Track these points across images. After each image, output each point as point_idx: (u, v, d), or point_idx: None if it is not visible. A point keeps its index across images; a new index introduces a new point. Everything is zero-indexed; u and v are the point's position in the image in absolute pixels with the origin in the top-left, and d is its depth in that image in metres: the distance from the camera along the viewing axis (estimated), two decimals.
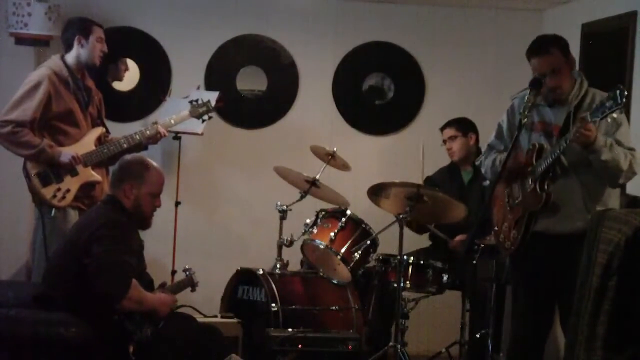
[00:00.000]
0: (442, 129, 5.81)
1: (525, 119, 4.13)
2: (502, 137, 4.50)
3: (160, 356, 3.99)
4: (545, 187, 4.16)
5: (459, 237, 5.48)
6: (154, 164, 4.21)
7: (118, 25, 6.11)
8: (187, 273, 4.56)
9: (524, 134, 4.26)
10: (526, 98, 4.15)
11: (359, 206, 5.43)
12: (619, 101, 3.76)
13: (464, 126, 5.74)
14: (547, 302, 4.36)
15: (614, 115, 3.93)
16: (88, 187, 4.99)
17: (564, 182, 4.18)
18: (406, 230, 5.15)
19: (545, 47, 4.24)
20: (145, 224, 4.22)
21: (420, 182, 5.53)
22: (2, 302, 4.01)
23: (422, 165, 5.94)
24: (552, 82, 4.19)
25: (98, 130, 5.12)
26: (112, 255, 3.87)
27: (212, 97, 5.67)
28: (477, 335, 5.17)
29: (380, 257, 5.36)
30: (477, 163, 4.75)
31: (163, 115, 5.68)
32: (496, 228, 4.43)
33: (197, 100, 5.46)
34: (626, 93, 3.76)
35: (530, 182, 4.20)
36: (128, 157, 4.31)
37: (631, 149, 4.14)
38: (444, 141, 5.78)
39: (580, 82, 4.26)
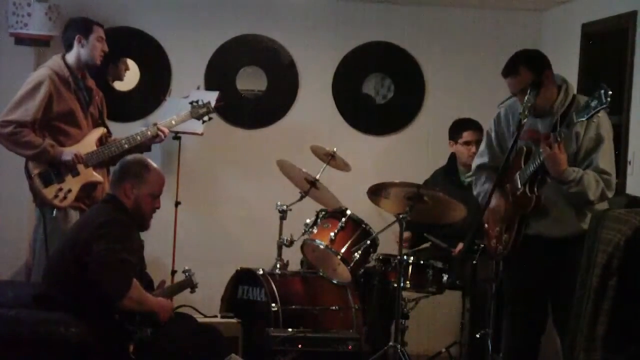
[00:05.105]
0: (464, 130, 5.62)
1: (525, 119, 4.11)
2: (492, 145, 4.49)
3: (160, 356, 3.99)
4: (535, 189, 4.15)
5: (460, 247, 5.43)
6: (155, 165, 4.23)
7: (118, 25, 6.11)
8: (187, 274, 4.56)
9: (512, 141, 4.19)
10: (526, 98, 4.13)
11: (359, 206, 5.42)
12: (604, 100, 3.71)
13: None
14: (540, 303, 4.37)
15: (600, 131, 4.03)
16: (89, 188, 4.98)
17: (554, 186, 4.16)
18: None
19: (514, 67, 4.18)
20: (144, 225, 4.22)
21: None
22: (2, 302, 4.01)
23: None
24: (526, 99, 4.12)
25: (99, 131, 5.12)
26: (113, 253, 3.86)
27: (212, 97, 5.67)
28: (477, 335, 5.16)
29: (380, 257, 5.35)
30: (467, 180, 4.71)
31: (163, 116, 5.68)
32: (489, 232, 4.43)
33: (197, 102, 5.46)
34: (610, 92, 3.70)
35: (519, 185, 4.19)
36: (129, 157, 4.32)
37: (607, 173, 4.11)
38: (467, 142, 5.61)
39: (565, 89, 4.21)
